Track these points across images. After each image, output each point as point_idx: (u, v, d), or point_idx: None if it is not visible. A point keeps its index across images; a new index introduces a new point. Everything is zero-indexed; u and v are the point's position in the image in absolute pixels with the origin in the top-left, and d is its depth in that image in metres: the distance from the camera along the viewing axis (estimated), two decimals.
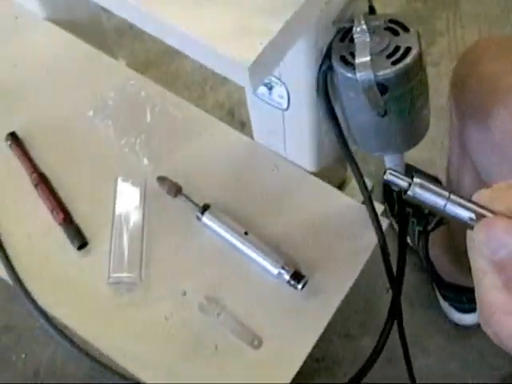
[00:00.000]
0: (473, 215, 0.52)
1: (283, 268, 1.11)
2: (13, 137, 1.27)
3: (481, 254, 0.53)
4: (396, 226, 1.65)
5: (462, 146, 1.25)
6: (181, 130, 1.27)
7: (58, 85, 1.34)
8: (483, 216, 0.53)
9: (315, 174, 1.23)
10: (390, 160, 1.11)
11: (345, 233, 1.17)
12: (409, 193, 0.53)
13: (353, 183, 1.43)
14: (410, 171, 1.17)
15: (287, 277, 1.11)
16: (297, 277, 1.11)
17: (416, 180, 0.53)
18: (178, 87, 2.09)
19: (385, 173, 0.54)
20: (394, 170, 0.54)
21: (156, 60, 2.16)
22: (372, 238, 1.15)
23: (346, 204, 1.21)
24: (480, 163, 1.17)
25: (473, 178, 1.28)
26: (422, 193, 0.53)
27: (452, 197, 0.53)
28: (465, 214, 0.53)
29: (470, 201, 0.53)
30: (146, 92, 1.30)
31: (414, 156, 1.89)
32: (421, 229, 1.76)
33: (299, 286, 1.10)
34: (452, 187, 1.37)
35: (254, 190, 1.22)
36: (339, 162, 1.34)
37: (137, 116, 1.29)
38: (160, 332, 1.11)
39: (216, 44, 0.78)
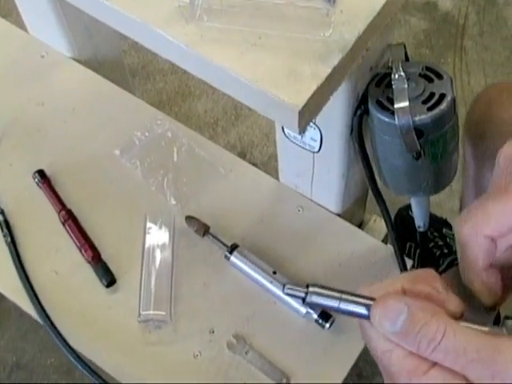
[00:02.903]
0: (364, 310, 0.58)
1: (311, 307, 1.13)
2: (41, 174, 1.29)
3: (380, 336, 0.57)
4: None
5: (477, 190, 1.28)
6: (207, 170, 1.29)
7: (85, 123, 1.37)
8: None
9: (340, 216, 1.25)
10: (416, 202, 1.14)
11: (369, 272, 1.19)
12: (307, 301, 0.60)
13: (370, 224, 1.45)
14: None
15: (315, 316, 1.12)
16: (324, 316, 1.12)
17: (311, 289, 0.60)
18: (190, 128, 2.11)
19: (284, 287, 0.62)
20: (290, 284, 0.61)
21: (168, 100, 2.20)
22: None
23: (370, 244, 1.23)
24: None
25: None
26: (318, 299, 0.60)
27: (344, 297, 0.59)
28: (358, 310, 0.59)
29: (360, 296, 0.59)
30: (173, 132, 1.33)
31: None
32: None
33: (327, 325, 1.12)
34: None
35: (280, 230, 1.24)
36: (359, 204, 1.36)
37: (164, 155, 1.31)
38: (189, 370, 1.12)
39: (266, 88, 0.81)
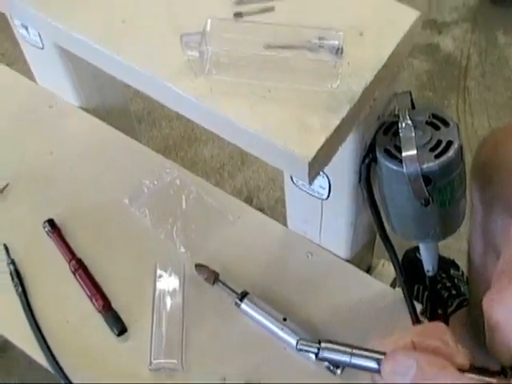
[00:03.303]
0: (374, 364, 0.61)
1: None
2: (51, 224, 1.30)
3: None
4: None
5: (485, 234, 1.28)
6: (216, 217, 1.30)
7: (94, 172, 1.38)
8: None
9: (349, 261, 1.26)
10: (425, 247, 1.14)
11: (379, 317, 1.20)
12: (319, 356, 0.63)
13: (379, 268, 1.46)
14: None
15: (325, 362, 1.13)
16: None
17: (323, 345, 0.63)
18: (196, 173, 2.13)
19: (297, 343, 0.65)
20: (304, 340, 0.64)
21: (174, 146, 2.21)
22: (406, 322, 1.17)
23: (379, 289, 1.24)
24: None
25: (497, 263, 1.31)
26: (330, 354, 0.63)
27: (355, 352, 0.62)
28: (369, 364, 0.61)
29: (371, 351, 0.62)
30: (181, 179, 1.34)
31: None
32: (440, 312, 1.77)
33: (338, 371, 1.12)
34: (476, 272, 1.40)
35: (289, 276, 1.24)
36: (368, 248, 1.37)
37: (172, 203, 1.32)
38: None
39: (276, 139, 0.82)
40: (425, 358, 0.57)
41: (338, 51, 0.84)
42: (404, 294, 1.18)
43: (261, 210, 2.02)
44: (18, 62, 2.13)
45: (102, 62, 0.97)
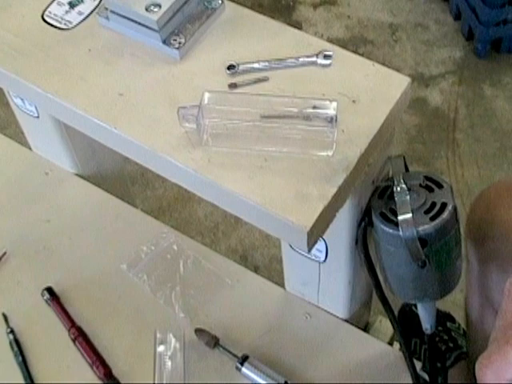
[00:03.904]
0: None
1: None
2: (49, 292, 1.30)
3: None
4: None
5: (481, 290, 1.29)
6: (214, 282, 1.31)
7: (91, 239, 1.39)
8: None
9: (347, 321, 1.27)
10: (422, 306, 1.15)
11: (380, 377, 1.20)
12: None
13: (376, 325, 1.47)
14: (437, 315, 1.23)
15: None
16: None
17: None
18: (191, 233, 2.14)
19: None
20: None
21: (168, 207, 2.23)
22: (407, 379, 1.18)
23: (379, 348, 1.25)
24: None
25: (495, 318, 1.32)
26: None
27: None
28: None
29: None
30: (178, 244, 1.35)
31: None
32: (439, 365, 1.77)
33: None
34: (474, 327, 1.41)
35: (289, 339, 1.25)
36: (365, 306, 1.38)
37: (170, 269, 1.33)
38: None
39: (275, 210, 0.83)
40: None
41: (333, 120, 0.86)
42: (403, 352, 1.18)
43: (256, 267, 2.03)
44: (11, 126, 2.15)
45: (99, 135, 0.98)
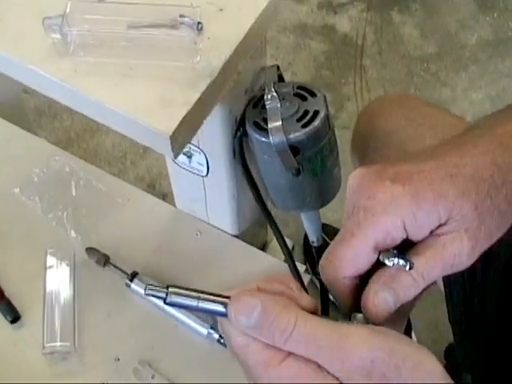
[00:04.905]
0: (221, 307, 0.62)
1: (212, 328, 1.16)
2: None
3: (238, 331, 0.60)
4: (318, 284, 1.71)
5: None
6: (106, 202, 1.32)
7: None
8: None
9: (238, 237, 1.28)
10: (306, 217, 1.17)
11: None
12: (167, 301, 0.64)
13: (273, 244, 1.49)
14: (324, 230, 1.24)
15: (217, 336, 1.15)
16: None
17: (171, 290, 0.64)
18: (99, 163, 2.14)
19: (145, 289, 0.64)
20: (152, 286, 0.64)
21: (76, 138, 2.22)
22: None
23: (270, 263, 1.27)
24: None
25: None
26: (178, 299, 0.64)
27: (202, 296, 0.64)
28: (216, 308, 0.63)
29: (218, 295, 0.64)
30: (70, 167, 1.35)
31: (327, 216, 1.96)
32: None
33: None
34: None
35: (180, 256, 1.26)
36: (260, 225, 1.40)
37: (63, 190, 1.33)
38: None
39: (138, 116, 0.84)
40: (269, 298, 0.60)
41: (198, 27, 0.86)
42: (289, 267, 1.20)
43: (164, 195, 2.04)
44: None
45: None
